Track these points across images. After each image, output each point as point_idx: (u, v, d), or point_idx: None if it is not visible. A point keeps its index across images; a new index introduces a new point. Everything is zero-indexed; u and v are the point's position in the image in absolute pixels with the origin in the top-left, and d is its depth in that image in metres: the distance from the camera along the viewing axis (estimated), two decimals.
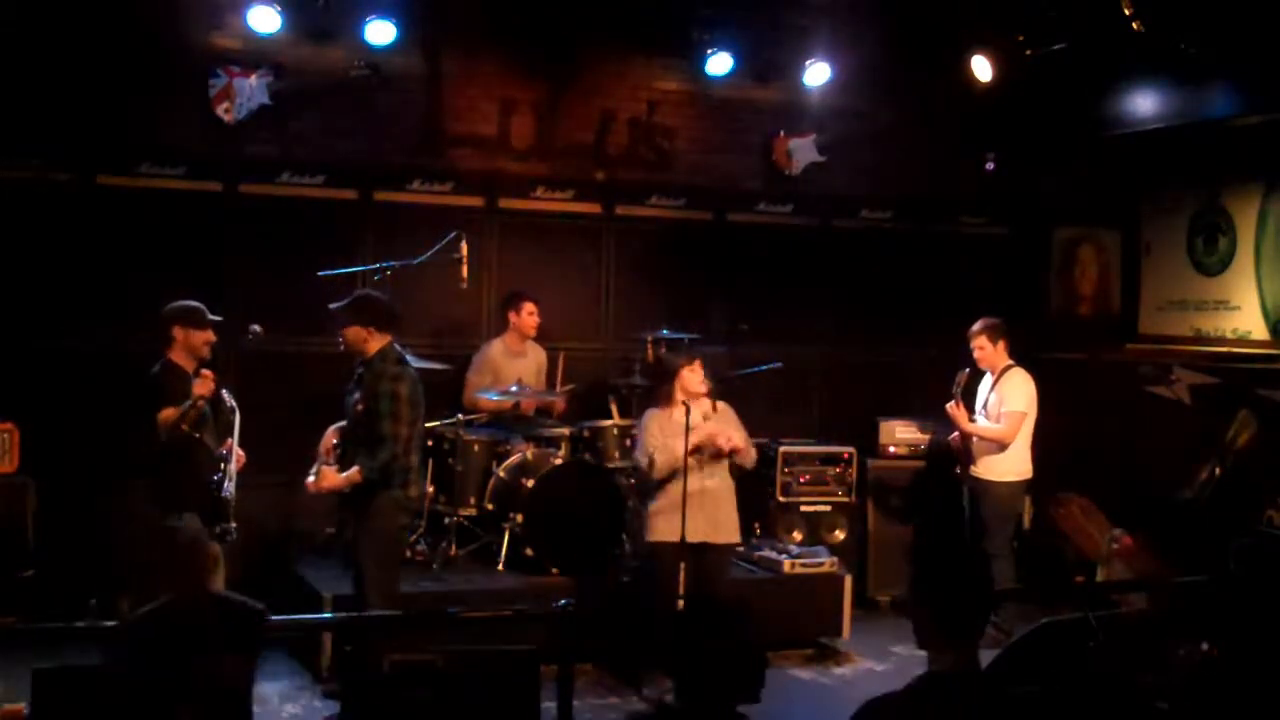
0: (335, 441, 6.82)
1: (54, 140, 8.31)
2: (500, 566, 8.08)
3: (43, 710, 4.07)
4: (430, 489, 8.17)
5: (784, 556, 8.37)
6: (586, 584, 7.66)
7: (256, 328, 6.90)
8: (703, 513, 7.00)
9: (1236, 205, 9.11)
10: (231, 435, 6.59)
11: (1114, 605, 7.62)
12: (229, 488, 6.44)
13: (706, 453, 7.02)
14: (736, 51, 9.41)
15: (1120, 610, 7.21)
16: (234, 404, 6.68)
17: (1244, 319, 9.04)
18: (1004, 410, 8.34)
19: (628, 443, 8.39)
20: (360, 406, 6.64)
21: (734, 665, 3.45)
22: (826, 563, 8.36)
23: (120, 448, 7.17)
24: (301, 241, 8.78)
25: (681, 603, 6.89)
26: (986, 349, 8.44)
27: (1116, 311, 10.14)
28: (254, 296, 8.29)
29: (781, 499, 9.17)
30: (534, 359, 8.99)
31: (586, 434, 8.66)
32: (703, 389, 7.13)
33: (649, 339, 8.90)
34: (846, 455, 9.34)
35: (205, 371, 6.51)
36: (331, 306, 6.86)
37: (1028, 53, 9.02)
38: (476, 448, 8.38)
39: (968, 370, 8.43)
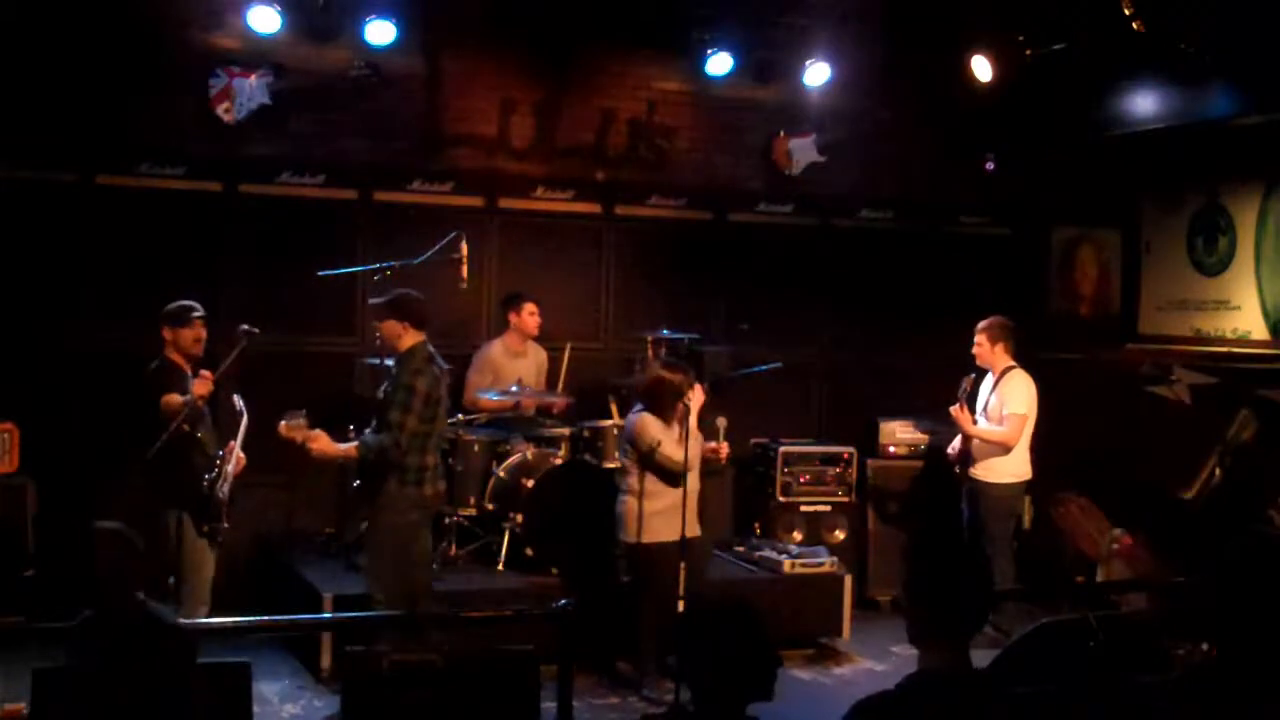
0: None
1: (54, 140, 8.31)
2: (500, 566, 8.09)
3: (43, 710, 4.06)
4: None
5: (784, 556, 8.38)
6: (586, 584, 7.66)
7: (245, 327, 6.87)
8: (691, 511, 7.26)
9: (1236, 205, 9.11)
10: (235, 438, 6.60)
11: (1114, 605, 7.65)
12: (223, 488, 6.46)
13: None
14: (736, 51, 9.39)
15: (1120, 610, 7.23)
16: (243, 408, 6.69)
17: (1244, 319, 9.04)
18: (1005, 413, 8.33)
19: None
20: (383, 397, 6.73)
21: (748, 663, 3.43)
22: (826, 563, 8.37)
23: (118, 444, 7.17)
24: (301, 241, 8.78)
25: (682, 603, 6.97)
26: (984, 347, 8.43)
27: (1116, 311, 10.14)
28: (254, 296, 8.30)
29: (781, 499, 9.18)
30: (534, 359, 8.98)
31: (586, 434, 8.66)
32: (698, 406, 7.42)
33: (649, 339, 8.89)
34: (846, 455, 9.35)
35: (204, 372, 6.52)
36: (371, 301, 7.06)
37: (1028, 53, 9.00)
38: (476, 448, 8.38)
39: (974, 375, 8.43)
